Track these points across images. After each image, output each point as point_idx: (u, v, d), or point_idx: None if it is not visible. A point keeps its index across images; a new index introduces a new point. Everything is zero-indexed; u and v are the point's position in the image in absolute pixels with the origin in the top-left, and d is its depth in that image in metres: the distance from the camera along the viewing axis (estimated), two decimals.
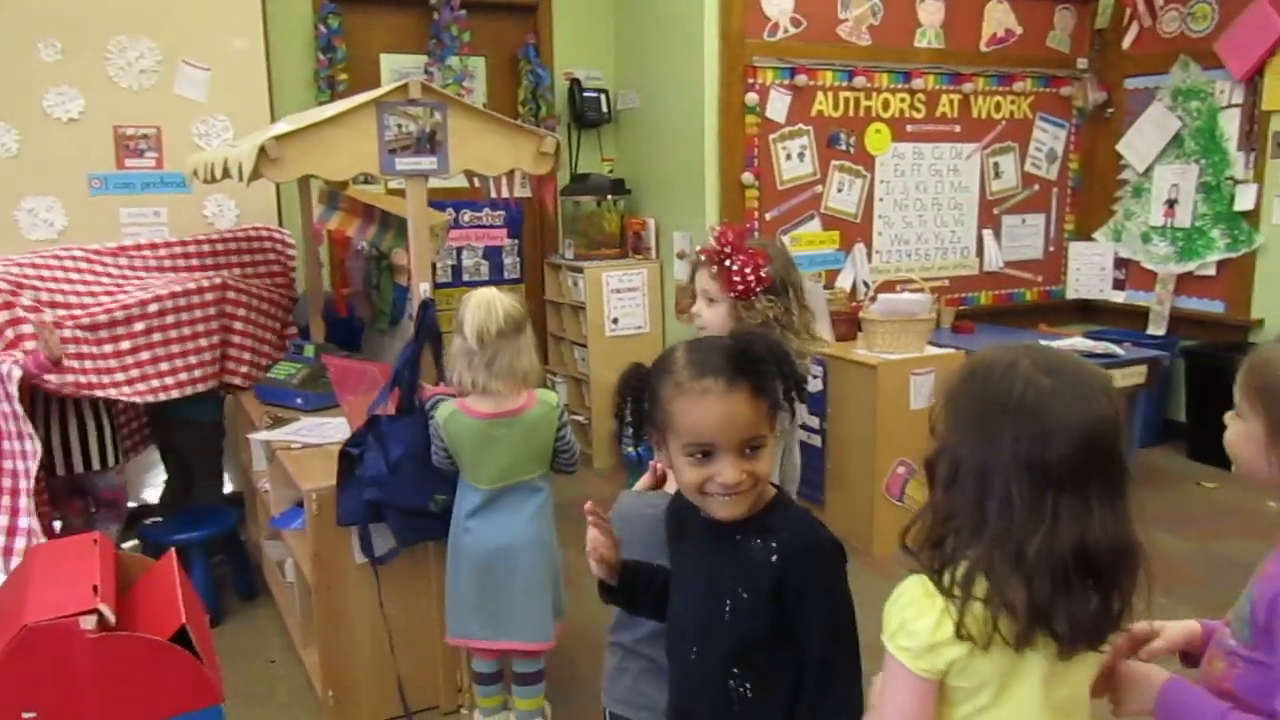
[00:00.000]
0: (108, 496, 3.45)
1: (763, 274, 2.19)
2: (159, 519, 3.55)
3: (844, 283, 4.96)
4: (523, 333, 2.44)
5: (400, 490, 2.57)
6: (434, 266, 4.00)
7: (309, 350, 3.52)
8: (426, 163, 2.67)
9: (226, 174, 2.78)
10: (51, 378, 2.88)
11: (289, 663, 3.13)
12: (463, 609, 2.51)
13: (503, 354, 2.39)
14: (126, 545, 3.47)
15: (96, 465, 3.29)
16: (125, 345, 3.23)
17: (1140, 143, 5.25)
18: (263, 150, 2.42)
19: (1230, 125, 4.84)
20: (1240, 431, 1.31)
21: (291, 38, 4.56)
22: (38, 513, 2.79)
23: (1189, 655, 1.42)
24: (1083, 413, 1.13)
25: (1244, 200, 4.78)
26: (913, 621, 1.18)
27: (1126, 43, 5.29)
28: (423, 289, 2.73)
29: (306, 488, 2.63)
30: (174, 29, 4.03)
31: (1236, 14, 4.70)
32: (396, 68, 4.84)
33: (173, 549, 2.04)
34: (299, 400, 3.36)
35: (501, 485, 2.44)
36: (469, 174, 3.03)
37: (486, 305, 2.37)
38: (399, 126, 2.60)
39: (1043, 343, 1.25)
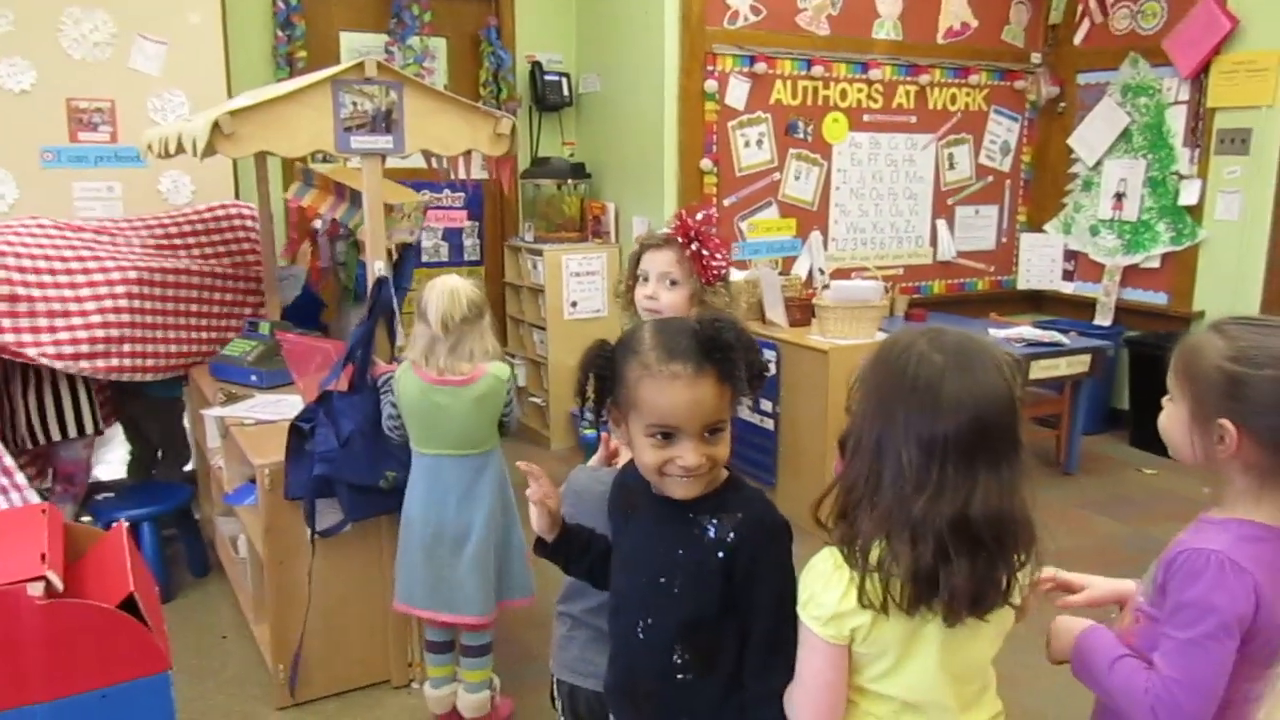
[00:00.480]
0: (67, 470, 3.49)
1: (729, 260, 2.21)
2: (110, 494, 3.54)
3: (800, 270, 5.03)
4: (483, 317, 2.48)
5: (351, 466, 2.58)
6: (418, 246, 4.02)
7: (264, 328, 3.52)
8: (382, 141, 2.69)
9: (181, 149, 2.77)
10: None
11: (241, 639, 3.15)
12: (410, 578, 2.54)
13: (466, 340, 2.43)
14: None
15: (73, 433, 3.41)
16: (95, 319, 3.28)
17: (1090, 137, 5.36)
18: (217, 125, 2.43)
19: (1176, 121, 4.96)
20: (1169, 414, 1.38)
21: (249, 13, 4.52)
22: None
23: (1123, 608, 1.49)
24: (972, 389, 1.19)
25: (1188, 195, 4.91)
26: (821, 592, 1.25)
27: (1078, 38, 5.40)
28: (377, 266, 2.75)
29: (259, 463, 2.65)
30: (129, 1, 3.99)
31: (1184, 13, 4.81)
32: (356, 46, 4.82)
33: (123, 520, 2.05)
34: (253, 377, 3.36)
35: (446, 453, 2.46)
36: (426, 154, 3.04)
37: (450, 293, 2.40)
38: (354, 104, 2.61)
39: (946, 325, 1.30)
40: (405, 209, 3.52)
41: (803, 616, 1.28)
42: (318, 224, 3.85)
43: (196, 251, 3.82)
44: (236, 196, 4.31)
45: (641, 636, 1.45)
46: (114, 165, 4.09)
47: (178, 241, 3.78)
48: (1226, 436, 1.26)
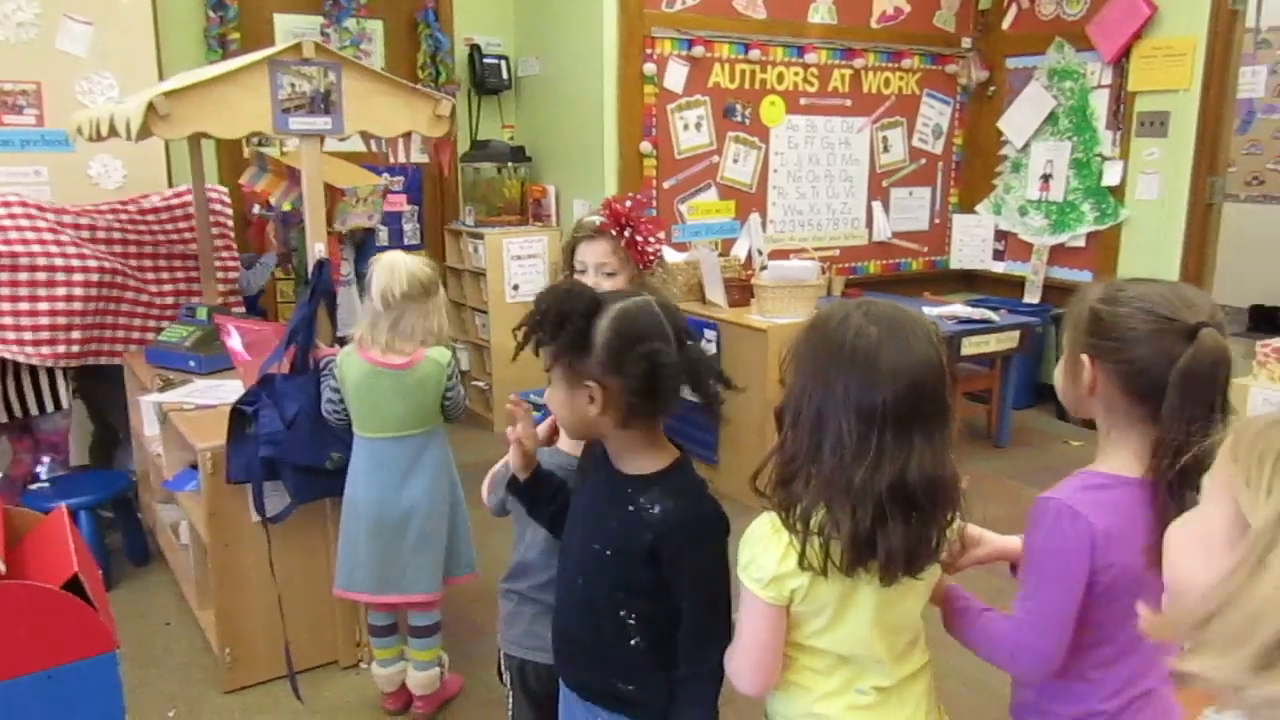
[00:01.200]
0: (50, 440, 3.67)
1: (662, 241, 2.24)
2: (45, 484, 3.48)
3: (739, 251, 5.09)
4: (431, 296, 2.47)
5: (296, 447, 2.58)
6: (371, 231, 4.02)
7: (201, 313, 3.48)
8: (320, 123, 2.68)
9: (114, 131, 2.73)
10: None
11: (185, 624, 3.13)
12: (352, 563, 2.54)
13: (408, 316, 2.42)
14: None
15: (50, 409, 3.58)
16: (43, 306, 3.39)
17: (1019, 120, 5.51)
18: (152, 106, 2.40)
19: (1100, 105, 5.12)
20: (1059, 365, 1.45)
21: None
22: None
23: (1016, 567, 1.57)
24: (908, 359, 1.25)
25: (1111, 176, 5.07)
26: (761, 555, 1.31)
27: (1006, 23, 5.54)
28: (317, 249, 2.74)
29: (201, 447, 2.64)
30: None
31: None
32: (291, 28, 4.76)
33: (63, 505, 2.04)
34: (191, 363, 3.32)
35: (387, 436, 2.47)
36: (365, 137, 3.04)
37: (390, 268, 2.41)
38: (292, 86, 2.60)
39: (875, 297, 1.36)
40: (360, 193, 3.50)
41: (743, 579, 1.34)
42: (259, 210, 3.83)
43: (161, 235, 3.89)
44: (169, 181, 4.25)
45: (580, 588, 1.53)
46: (41, 149, 4.00)
47: (151, 219, 3.88)
48: (1084, 372, 1.33)
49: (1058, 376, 1.43)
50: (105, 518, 3.49)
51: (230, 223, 4.14)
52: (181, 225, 3.94)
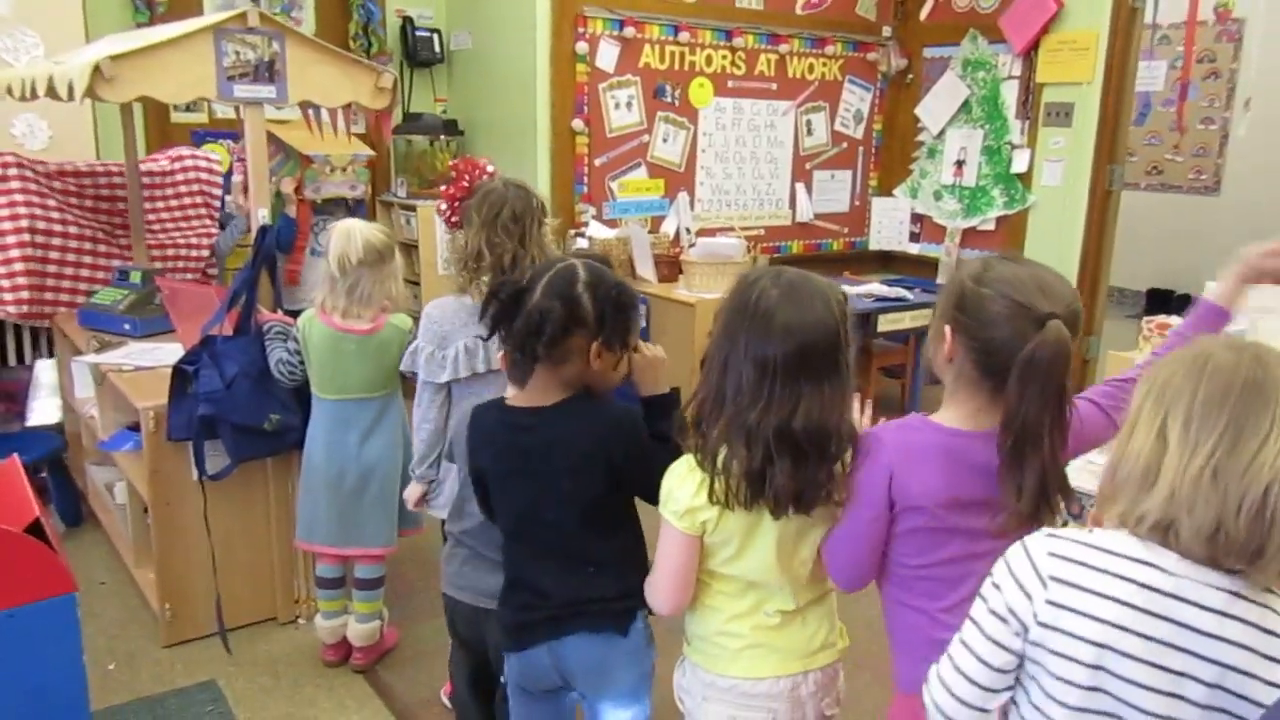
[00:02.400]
0: (7, 389, 3.81)
1: (456, 204, 2.34)
2: None
3: (668, 228, 5.23)
4: (386, 262, 2.55)
5: (235, 407, 2.65)
6: (359, 203, 4.11)
7: (135, 276, 3.49)
8: (265, 91, 2.74)
9: (52, 92, 2.74)
10: None
11: (120, 583, 3.17)
12: (312, 516, 2.64)
13: (364, 281, 2.51)
14: None
15: (12, 362, 3.75)
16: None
17: (935, 107, 5.75)
18: (97, 69, 2.43)
19: (1010, 95, 5.38)
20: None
21: None
22: None
23: None
24: (799, 319, 1.41)
25: (1019, 163, 5.35)
26: (677, 490, 1.50)
27: (924, 14, 5.76)
28: (260, 214, 2.80)
29: (142, 406, 2.69)
30: None
31: None
32: None
33: (14, 454, 2.09)
34: (126, 326, 3.34)
35: (349, 398, 2.57)
36: (304, 107, 3.09)
37: (346, 234, 2.48)
38: (237, 54, 2.65)
39: (787, 267, 1.52)
40: (336, 161, 3.52)
41: (663, 512, 1.52)
42: (236, 177, 3.85)
43: (160, 197, 4.08)
44: (96, 143, 4.21)
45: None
46: None
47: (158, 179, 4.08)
48: (944, 340, 1.47)
49: (927, 340, 1.56)
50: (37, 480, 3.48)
51: (216, 190, 4.21)
52: (181, 189, 4.11)
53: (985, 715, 1.19)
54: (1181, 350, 1.13)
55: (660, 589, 1.57)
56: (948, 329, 1.45)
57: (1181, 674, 1.05)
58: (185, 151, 4.26)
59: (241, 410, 2.68)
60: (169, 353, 3.06)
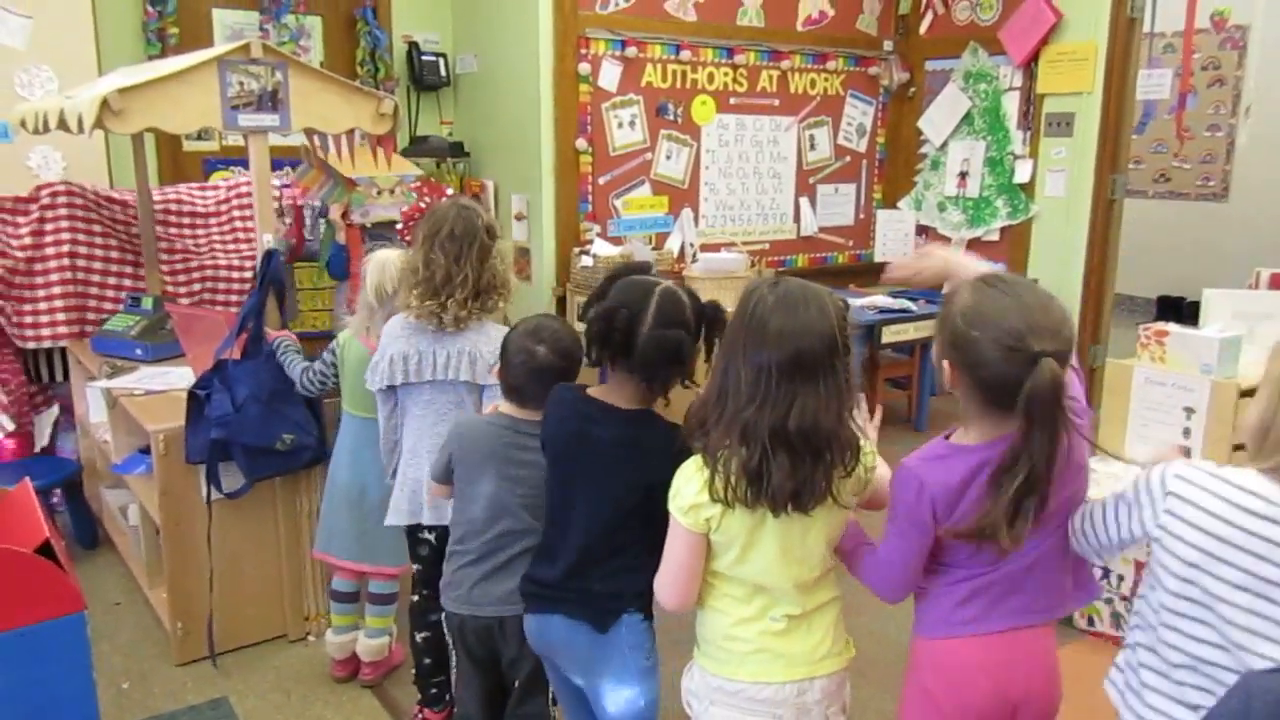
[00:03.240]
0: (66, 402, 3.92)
1: (409, 223, 2.42)
2: None
3: (672, 245, 5.29)
4: None
5: (245, 429, 2.71)
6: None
7: (147, 302, 3.57)
8: (268, 119, 2.80)
9: (63, 125, 2.82)
10: None
11: (135, 604, 3.23)
12: (332, 529, 2.71)
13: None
14: None
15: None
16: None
17: (937, 120, 5.79)
18: (105, 102, 2.50)
19: (1011, 106, 5.42)
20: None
21: None
22: None
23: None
24: (793, 326, 1.47)
25: (1022, 173, 5.38)
26: (684, 488, 1.56)
27: (924, 28, 5.81)
28: (266, 239, 2.86)
29: (153, 429, 2.75)
30: None
31: (1017, 6, 5.25)
32: (229, 23, 4.83)
33: (27, 478, 2.15)
34: (138, 351, 3.41)
35: (373, 416, 2.57)
36: (309, 133, 3.15)
37: (381, 265, 2.55)
38: (241, 84, 2.72)
39: (789, 277, 1.58)
40: (381, 183, 3.49)
41: (670, 508, 1.58)
42: (301, 201, 3.87)
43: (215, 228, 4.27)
44: (110, 173, 4.31)
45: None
46: None
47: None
48: (946, 372, 1.54)
49: (932, 359, 1.66)
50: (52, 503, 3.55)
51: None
52: (235, 214, 4.25)
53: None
54: None
55: (665, 583, 1.64)
56: (946, 364, 1.52)
57: (1269, 580, 1.30)
58: (242, 179, 4.35)
59: (252, 432, 2.74)
60: (179, 376, 3.12)
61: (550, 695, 2.00)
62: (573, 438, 1.78)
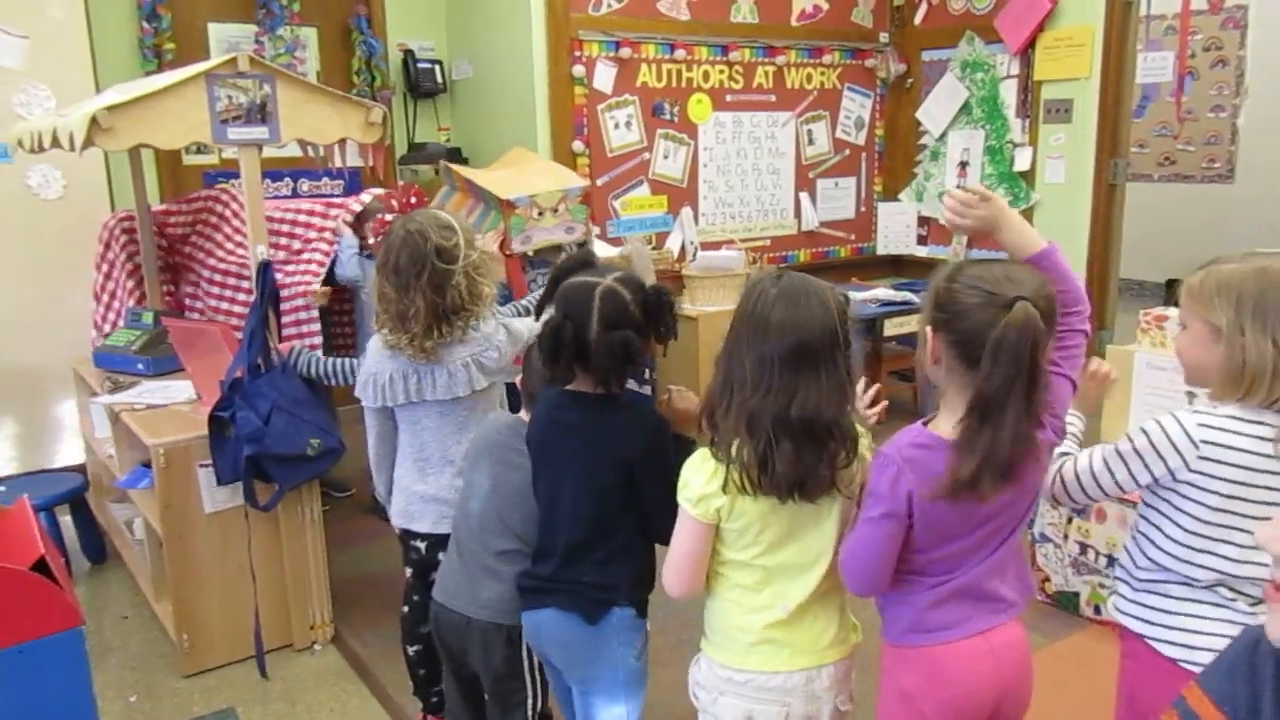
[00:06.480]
0: None
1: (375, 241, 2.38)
2: (0, 486, 3.57)
3: (673, 244, 5.29)
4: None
5: (276, 439, 2.74)
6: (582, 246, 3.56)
7: (147, 317, 3.59)
8: (258, 132, 2.81)
9: (56, 143, 2.84)
10: None
11: (141, 617, 3.25)
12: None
13: None
14: None
15: None
16: None
17: (935, 110, 5.77)
18: (94, 120, 2.52)
19: (1009, 94, 5.39)
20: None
21: (113, 6, 4.52)
22: None
23: None
24: (793, 319, 1.51)
25: (1021, 161, 5.35)
26: (692, 479, 1.60)
27: (919, 19, 5.79)
28: (259, 251, 2.88)
29: (153, 443, 2.76)
30: None
31: None
32: (225, 37, 4.86)
33: (24, 496, 2.17)
34: (139, 366, 3.43)
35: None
36: (302, 144, 3.17)
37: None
38: (229, 98, 2.73)
39: (791, 271, 1.61)
40: (542, 201, 2.96)
41: (680, 498, 1.61)
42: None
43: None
44: (110, 191, 4.33)
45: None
46: None
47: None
48: (927, 341, 1.53)
49: (917, 349, 1.64)
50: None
51: (322, 235, 3.74)
52: (297, 230, 3.79)
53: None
54: (1244, 268, 1.51)
55: (672, 571, 1.66)
56: (929, 330, 1.54)
57: None
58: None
59: (283, 441, 2.76)
60: (179, 390, 3.14)
61: (531, 709, 2.02)
62: (548, 429, 1.85)
